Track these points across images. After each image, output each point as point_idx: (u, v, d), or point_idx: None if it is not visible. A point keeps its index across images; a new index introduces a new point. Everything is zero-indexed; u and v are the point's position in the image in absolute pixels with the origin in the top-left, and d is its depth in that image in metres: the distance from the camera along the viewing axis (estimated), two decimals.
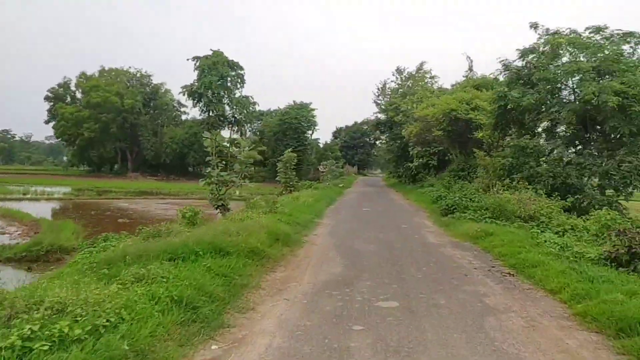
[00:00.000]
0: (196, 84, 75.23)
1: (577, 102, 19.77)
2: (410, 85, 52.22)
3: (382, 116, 53.10)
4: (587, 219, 14.60)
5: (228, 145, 20.22)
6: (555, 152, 20.27)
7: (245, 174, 19.36)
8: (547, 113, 20.76)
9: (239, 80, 78.48)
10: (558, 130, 23.04)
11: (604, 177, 19.04)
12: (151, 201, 35.05)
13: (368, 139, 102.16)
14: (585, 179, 20.17)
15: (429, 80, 51.80)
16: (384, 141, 65.82)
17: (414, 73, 53.36)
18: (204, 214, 17.50)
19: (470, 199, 18.85)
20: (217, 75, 74.30)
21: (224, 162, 19.22)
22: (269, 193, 37.25)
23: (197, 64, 75.68)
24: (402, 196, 34.42)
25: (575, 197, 17.18)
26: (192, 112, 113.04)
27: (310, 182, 37.79)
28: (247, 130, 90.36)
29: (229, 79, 76.94)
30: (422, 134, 37.22)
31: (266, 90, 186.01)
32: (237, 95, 78.45)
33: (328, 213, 20.01)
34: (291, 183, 31.84)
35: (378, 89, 57.74)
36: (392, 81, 56.22)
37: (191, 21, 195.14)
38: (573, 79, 20.74)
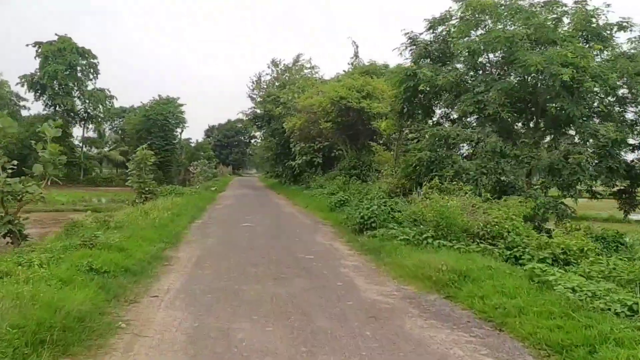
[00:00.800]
0: (38, 73, 63.51)
1: (512, 78, 15.67)
2: (287, 77, 48.15)
3: (258, 110, 47.90)
4: (571, 234, 10.14)
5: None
6: (486, 142, 15.88)
7: (54, 179, 12.43)
8: (472, 94, 16.36)
9: (92, 71, 67.79)
10: (470, 119, 19.04)
11: (548, 173, 15.10)
12: None
13: (243, 138, 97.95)
14: (522, 175, 16.19)
15: (309, 70, 48.35)
16: (261, 138, 60.96)
17: (290, 65, 49.47)
18: None
19: (391, 207, 13.71)
20: (64, 63, 63.33)
21: (15, 163, 12.14)
22: (124, 200, 29.85)
23: (39, 50, 63.88)
24: (287, 200, 28.97)
25: (536, 201, 12.77)
26: (35, 106, 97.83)
27: (174, 187, 30.95)
28: (107, 129, 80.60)
29: (79, 68, 66.16)
30: (306, 127, 32.35)
31: (137, 87, 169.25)
32: (89, 88, 67.77)
33: (191, 235, 13.47)
34: (147, 189, 24.85)
35: (253, 82, 52.38)
36: (267, 74, 51.38)
37: (36, 5, 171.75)
38: (502, 50, 16.60)
